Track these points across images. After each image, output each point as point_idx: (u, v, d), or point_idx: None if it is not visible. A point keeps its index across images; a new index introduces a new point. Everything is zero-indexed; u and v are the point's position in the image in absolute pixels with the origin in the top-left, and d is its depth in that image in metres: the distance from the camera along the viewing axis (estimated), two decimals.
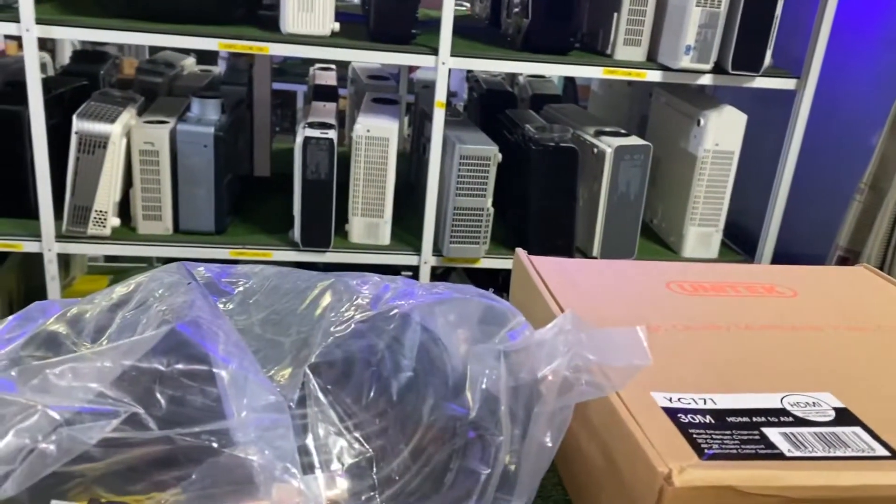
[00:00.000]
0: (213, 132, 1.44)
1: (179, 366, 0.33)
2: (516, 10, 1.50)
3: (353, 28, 1.48)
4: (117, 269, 2.03)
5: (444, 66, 1.41)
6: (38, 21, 1.31)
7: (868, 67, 1.59)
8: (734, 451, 0.36)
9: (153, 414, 0.32)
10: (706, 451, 0.36)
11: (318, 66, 2.04)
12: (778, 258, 1.62)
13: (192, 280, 0.44)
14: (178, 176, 1.46)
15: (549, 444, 0.37)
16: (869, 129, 1.53)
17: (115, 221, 1.45)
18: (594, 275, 0.56)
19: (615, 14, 1.47)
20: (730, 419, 0.39)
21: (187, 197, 1.48)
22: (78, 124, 1.37)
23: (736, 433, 0.37)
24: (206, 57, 2.06)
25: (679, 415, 0.38)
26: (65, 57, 2.28)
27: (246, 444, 0.32)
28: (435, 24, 1.42)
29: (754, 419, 0.39)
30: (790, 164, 1.55)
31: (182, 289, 0.42)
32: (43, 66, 1.68)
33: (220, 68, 2.02)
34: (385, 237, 1.55)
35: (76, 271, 1.92)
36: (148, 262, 2.01)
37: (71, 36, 1.40)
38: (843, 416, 0.39)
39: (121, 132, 1.39)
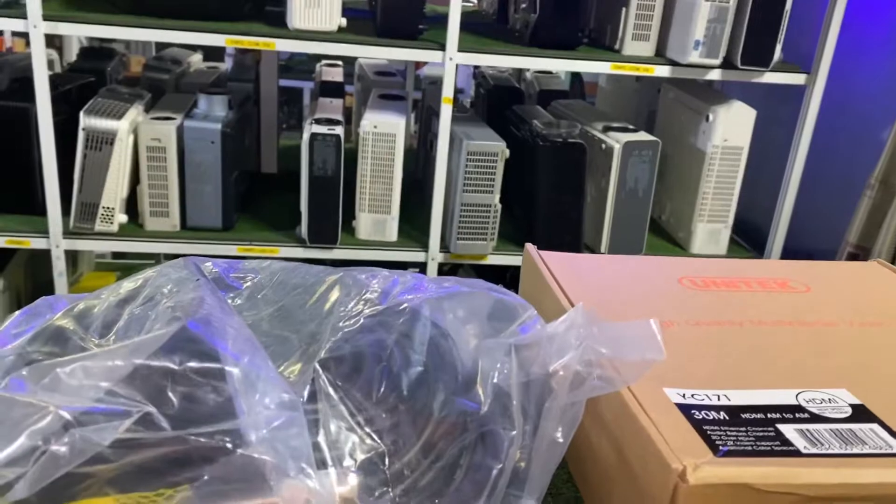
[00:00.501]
0: (220, 129, 1.44)
1: (191, 364, 0.33)
2: (524, 5, 1.50)
3: (360, 24, 1.48)
4: (125, 266, 2.03)
5: (451, 62, 1.41)
6: (46, 17, 1.31)
7: (878, 62, 1.58)
8: (749, 448, 0.35)
9: (165, 413, 0.31)
10: (721, 447, 0.35)
11: (324, 62, 2.04)
12: (787, 254, 1.61)
13: (200, 275, 0.43)
14: (186, 172, 1.46)
15: (561, 440, 0.36)
16: (879, 125, 1.52)
17: (123, 218, 1.45)
18: (604, 270, 0.56)
19: (623, 9, 1.46)
20: (744, 416, 0.38)
21: (194, 193, 1.48)
22: (85, 121, 1.37)
23: (751, 430, 0.37)
24: (212, 54, 2.06)
25: (693, 411, 0.38)
26: (72, 54, 2.29)
27: (259, 443, 0.31)
28: (442, 20, 1.41)
29: (769, 416, 0.38)
30: (800, 160, 1.54)
31: (191, 285, 0.42)
32: (50, 63, 1.68)
33: (226, 65, 2.02)
34: (392, 234, 1.55)
35: (84, 268, 1.92)
36: (155, 259, 2.01)
37: (78, 32, 1.40)
38: (860, 413, 0.39)
39: (128, 129, 1.39)
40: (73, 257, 1.78)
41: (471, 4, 2.12)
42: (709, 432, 0.36)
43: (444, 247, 1.54)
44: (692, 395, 0.39)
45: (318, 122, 1.46)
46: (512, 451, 0.35)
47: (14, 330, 0.42)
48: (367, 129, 1.46)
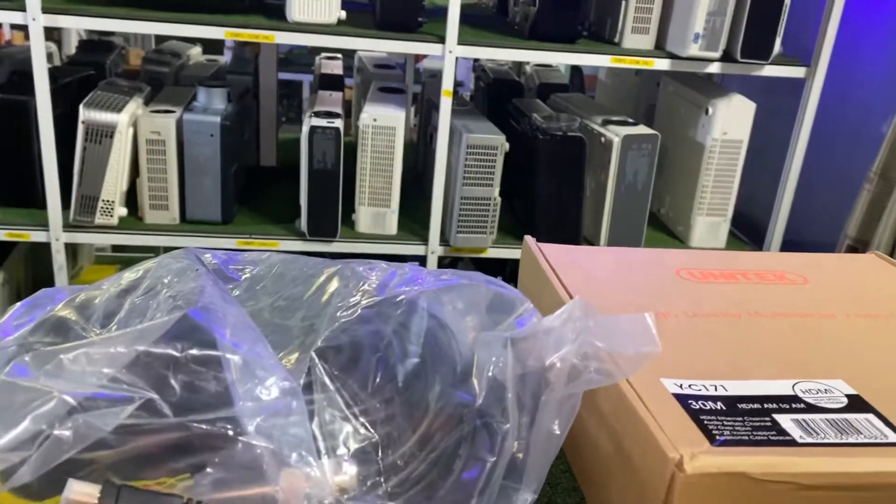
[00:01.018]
0: (219, 122, 1.44)
1: (193, 351, 0.33)
2: None
3: (359, 16, 1.48)
4: (125, 259, 2.03)
5: (451, 55, 1.41)
6: (45, 10, 1.31)
7: (878, 56, 1.58)
8: (746, 438, 0.36)
9: (167, 400, 0.32)
10: (717, 437, 0.36)
11: (324, 55, 2.04)
12: (786, 248, 1.62)
13: (200, 266, 0.43)
14: (185, 165, 1.46)
15: (558, 432, 0.36)
16: (879, 118, 1.52)
17: (123, 211, 1.46)
18: (603, 262, 0.56)
19: (623, 2, 1.46)
20: (741, 406, 0.38)
21: (194, 186, 1.48)
22: (85, 114, 1.37)
23: (747, 420, 0.37)
24: (211, 47, 2.06)
25: (690, 401, 0.38)
26: (71, 47, 2.28)
27: (258, 430, 0.31)
28: (442, 13, 1.41)
29: (765, 406, 0.38)
30: (799, 154, 1.54)
31: (191, 275, 0.42)
32: (49, 56, 1.68)
33: (225, 58, 2.02)
34: (392, 227, 1.55)
35: (84, 261, 1.92)
36: (155, 252, 2.01)
37: (77, 25, 1.39)
38: (856, 403, 0.39)
39: (127, 122, 1.39)
40: (72, 250, 1.78)
41: None
42: (706, 422, 0.37)
43: (444, 240, 1.55)
44: (689, 386, 0.40)
45: (317, 114, 1.46)
46: (507, 444, 0.35)
47: (15, 321, 0.43)
48: (367, 122, 1.46)
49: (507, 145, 1.47)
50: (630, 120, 1.55)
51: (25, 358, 0.31)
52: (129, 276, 0.44)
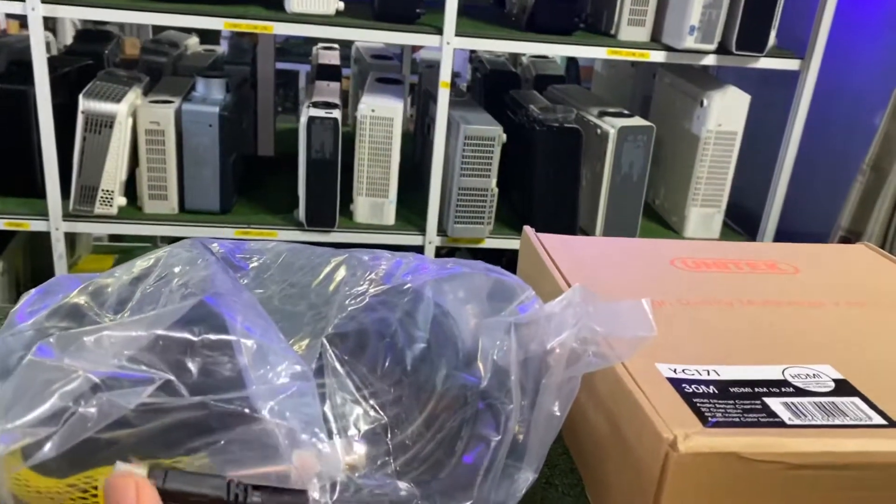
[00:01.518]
0: (218, 112, 1.45)
1: (209, 336, 0.34)
2: None
3: (357, 7, 1.48)
4: (122, 249, 2.04)
5: (448, 46, 1.42)
6: (44, 0, 1.32)
7: (872, 48, 1.59)
8: (737, 420, 0.37)
9: (184, 382, 0.33)
10: (710, 419, 0.37)
11: (321, 45, 2.04)
12: (779, 239, 1.64)
13: (210, 255, 0.45)
14: (184, 155, 1.47)
15: (558, 413, 0.38)
16: (872, 110, 1.53)
17: (122, 201, 1.46)
18: (600, 251, 0.57)
19: None
20: (732, 389, 0.40)
21: (193, 176, 1.49)
22: (84, 104, 1.37)
23: (738, 403, 0.39)
24: (208, 36, 2.06)
25: (683, 385, 0.40)
26: (66, 37, 2.28)
27: (272, 411, 0.33)
28: (440, 4, 1.42)
29: (756, 389, 0.40)
30: (793, 145, 1.56)
31: (201, 263, 0.43)
32: (47, 46, 1.68)
33: (222, 48, 2.02)
34: (390, 217, 1.56)
35: (81, 251, 1.93)
36: (152, 242, 2.02)
37: (76, 15, 1.40)
38: (843, 387, 0.40)
39: (127, 112, 1.40)
40: (71, 240, 1.79)
41: None
42: (698, 405, 0.38)
43: (442, 230, 1.56)
44: (683, 371, 0.41)
45: (315, 105, 1.47)
46: (510, 424, 0.36)
47: (30, 308, 0.44)
48: (365, 113, 1.47)
49: (504, 136, 1.48)
50: (626, 112, 1.56)
51: (49, 340, 0.32)
52: (141, 264, 0.45)
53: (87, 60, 1.63)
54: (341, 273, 0.45)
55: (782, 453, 0.36)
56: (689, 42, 1.42)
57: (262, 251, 0.52)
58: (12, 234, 1.64)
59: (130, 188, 1.50)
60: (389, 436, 0.37)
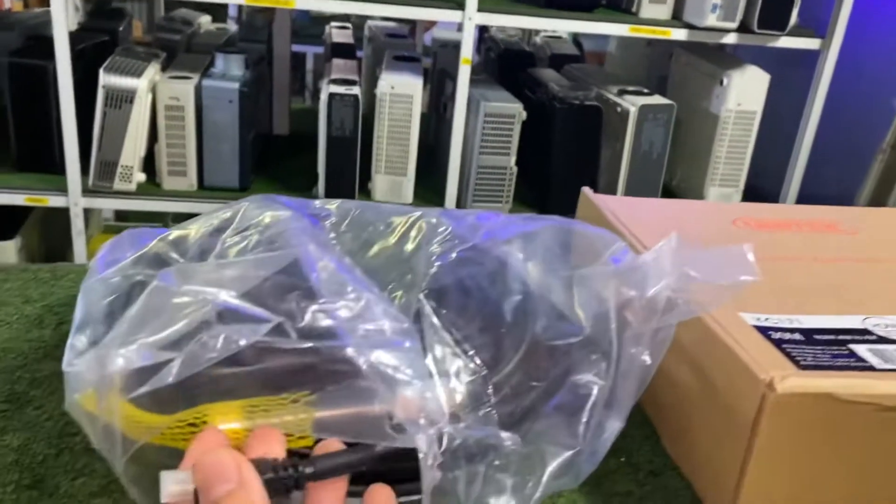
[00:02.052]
0: (238, 88, 1.44)
1: (317, 285, 0.34)
2: None
3: None
4: (132, 227, 2.03)
5: (470, 22, 1.41)
6: None
7: (892, 27, 1.59)
8: (828, 364, 0.38)
9: (294, 326, 0.33)
10: (801, 362, 0.38)
11: (334, 24, 2.03)
12: None
13: (290, 210, 0.45)
14: (203, 131, 1.46)
15: (649, 362, 0.38)
16: (892, 90, 1.54)
17: (141, 177, 1.46)
18: (660, 212, 0.58)
19: None
20: (817, 337, 0.40)
21: (212, 153, 1.49)
22: (105, 78, 1.37)
23: (826, 349, 0.39)
24: (218, 15, 2.05)
25: (770, 332, 0.40)
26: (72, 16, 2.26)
27: (379, 360, 0.33)
28: None
29: (840, 337, 0.40)
30: (812, 125, 1.56)
31: (285, 216, 0.43)
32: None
33: (231, 27, 2.01)
34: (408, 195, 1.56)
35: (93, 230, 1.92)
36: (162, 222, 2.01)
37: None
38: None
39: (147, 87, 1.39)
40: (84, 219, 1.78)
41: None
42: (788, 350, 0.39)
43: (460, 208, 1.56)
44: (766, 319, 0.42)
45: (334, 82, 1.47)
46: (611, 372, 0.37)
47: (109, 257, 0.44)
48: (384, 90, 1.47)
49: (524, 114, 1.48)
50: (645, 90, 1.56)
51: (171, 270, 0.32)
52: (219, 215, 0.45)
53: (104, 37, 1.62)
54: (422, 229, 0.45)
55: (876, 395, 0.36)
56: (711, 20, 1.42)
57: (329, 210, 0.52)
58: (28, 212, 1.63)
59: (149, 164, 1.49)
60: (491, 387, 0.38)
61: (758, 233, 0.54)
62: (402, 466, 0.33)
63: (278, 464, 0.30)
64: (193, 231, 0.45)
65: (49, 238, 1.74)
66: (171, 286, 0.31)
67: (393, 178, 1.55)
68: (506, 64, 1.84)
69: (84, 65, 1.46)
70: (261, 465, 0.29)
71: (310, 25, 2.88)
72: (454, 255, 0.42)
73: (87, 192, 1.44)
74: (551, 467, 0.36)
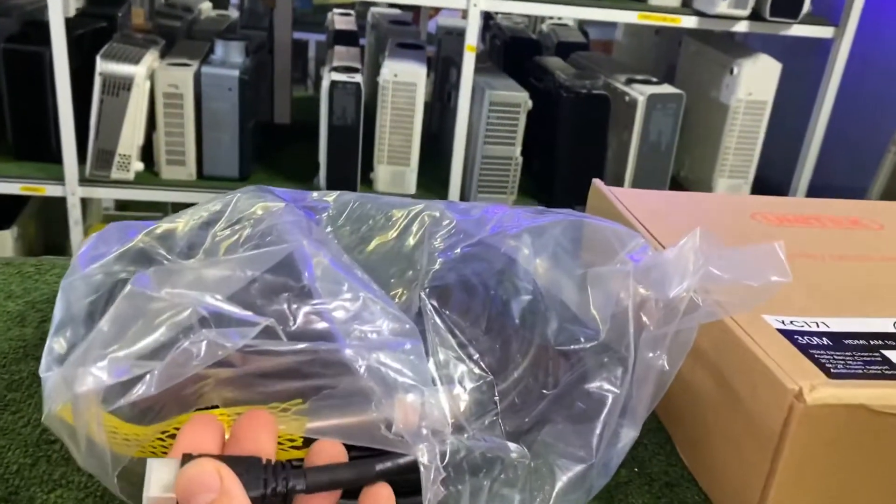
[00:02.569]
0: (237, 75, 1.41)
1: (310, 284, 0.32)
2: None
3: None
4: (132, 218, 2.01)
5: (475, 9, 1.38)
6: None
7: None
8: (860, 371, 0.35)
9: (284, 328, 0.31)
10: (831, 370, 0.35)
11: (336, 11, 2.00)
12: None
13: (284, 202, 0.42)
14: (203, 120, 1.43)
15: (667, 368, 0.36)
16: None
17: (139, 166, 1.43)
18: (674, 205, 0.55)
19: None
20: (847, 342, 0.38)
21: (211, 142, 1.46)
22: (102, 65, 1.34)
23: (857, 355, 0.36)
24: (219, 1, 2.02)
25: (796, 336, 0.38)
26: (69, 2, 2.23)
27: (376, 363, 0.30)
28: None
29: (871, 342, 0.38)
30: (824, 116, 1.52)
31: (276, 209, 0.41)
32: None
33: (233, 13, 1.98)
34: (411, 186, 1.53)
35: (93, 219, 1.90)
36: (163, 211, 1.99)
37: None
38: None
39: (145, 74, 1.36)
40: (82, 208, 1.76)
41: None
42: (816, 356, 0.36)
43: (464, 200, 1.53)
44: (791, 322, 0.39)
45: (336, 69, 1.44)
46: (627, 378, 0.34)
47: (92, 252, 0.41)
48: (388, 78, 1.44)
49: (529, 103, 1.45)
50: (653, 79, 1.53)
51: (147, 272, 0.30)
52: (209, 208, 0.43)
53: (102, 23, 1.59)
54: (424, 222, 0.42)
55: None
56: (722, 7, 1.38)
57: (326, 202, 0.49)
58: (25, 201, 1.61)
59: (147, 153, 1.46)
60: (497, 394, 0.35)
61: (778, 228, 0.51)
62: (401, 479, 0.31)
63: (267, 476, 0.27)
64: (182, 224, 0.42)
65: (48, 228, 1.72)
66: (147, 290, 0.28)
67: (395, 169, 1.52)
68: (511, 52, 1.80)
69: (82, 51, 1.43)
70: (249, 481, 0.27)
71: (311, 13, 2.84)
72: (458, 250, 0.39)
73: (84, 181, 1.42)
74: (561, 482, 0.34)
